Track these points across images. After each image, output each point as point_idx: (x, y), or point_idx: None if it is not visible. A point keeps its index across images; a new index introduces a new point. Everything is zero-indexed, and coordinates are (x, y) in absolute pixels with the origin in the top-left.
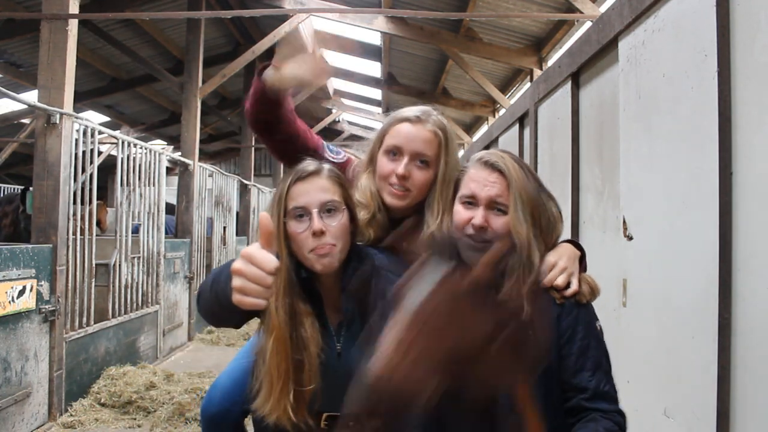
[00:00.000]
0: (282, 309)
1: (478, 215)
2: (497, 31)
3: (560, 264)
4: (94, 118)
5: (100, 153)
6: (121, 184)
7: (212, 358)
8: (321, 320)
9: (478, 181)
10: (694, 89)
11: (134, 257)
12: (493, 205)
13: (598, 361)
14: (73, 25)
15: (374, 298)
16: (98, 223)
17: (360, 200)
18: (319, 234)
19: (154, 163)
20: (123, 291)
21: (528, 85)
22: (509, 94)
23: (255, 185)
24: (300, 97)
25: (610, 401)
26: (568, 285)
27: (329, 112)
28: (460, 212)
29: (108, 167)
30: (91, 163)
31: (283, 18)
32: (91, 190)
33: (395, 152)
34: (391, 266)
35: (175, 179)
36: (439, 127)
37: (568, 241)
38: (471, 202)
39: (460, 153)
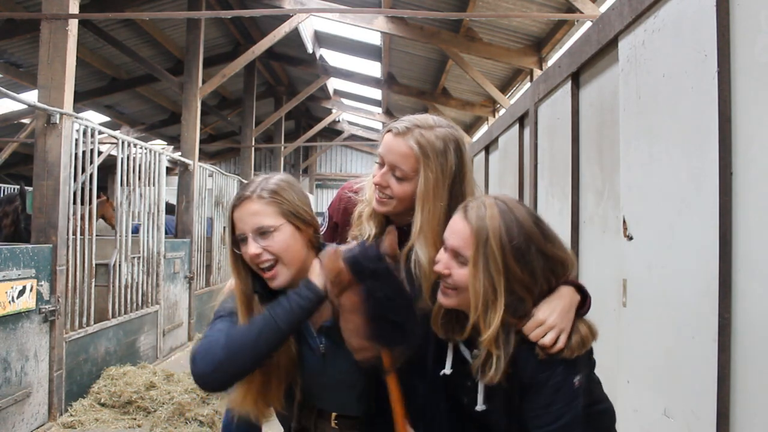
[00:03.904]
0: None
1: (441, 262)
2: (497, 31)
3: (549, 321)
4: (94, 118)
5: (100, 153)
6: (121, 184)
7: None
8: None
9: (449, 228)
10: (694, 89)
11: (134, 257)
12: (456, 256)
13: (557, 416)
14: (73, 25)
15: None
16: (106, 220)
17: (367, 197)
18: (255, 257)
19: (154, 163)
20: (123, 291)
21: (528, 85)
22: (509, 94)
23: None
24: (300, 96)
25: None
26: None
27: (329, 112)
28: (438, 255)
29: (108, 167)
30: (91, 163)
31: (283, 18)
32: (91, 190)
33: (380, 161)
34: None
35: (175, 179)
36: (419, 142)
37: (569, 282)
38: (445, 247)
39: None
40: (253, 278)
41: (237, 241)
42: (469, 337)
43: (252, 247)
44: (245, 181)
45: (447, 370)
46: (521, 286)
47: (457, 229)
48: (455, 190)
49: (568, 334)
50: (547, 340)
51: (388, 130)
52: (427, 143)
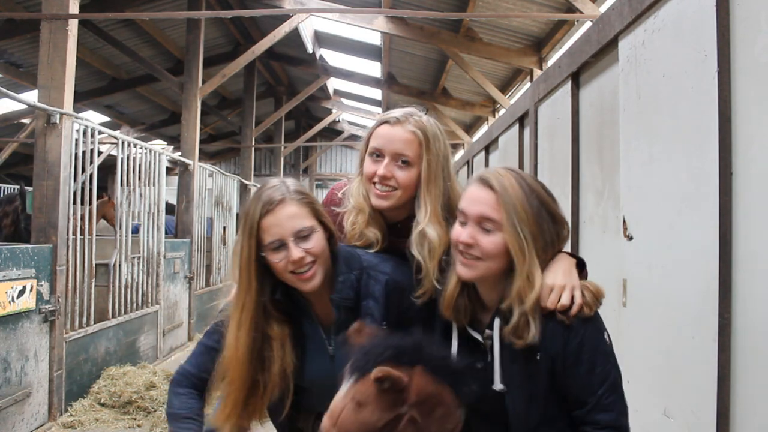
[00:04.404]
0: (244, 344)
1: (464, 233)
2: (497, 31)
3: (558, 282)
4: (94, 118)
5: (100, 153)
6: (121, 184)
7: None
8: (310, 325)
9: (469, 198)
10: (694, 89)
11: (134, 257)
12: (482, 223)
13: (604, 377)
14: (73, 25)
15: (364, 299)
16: (107, 220)
17: (353, 203)
18: (298, 261)
19: (154, 163)
20: (123, 291)
21: (528, 85)
22: (509, 94)
23: (255, 185)
24: (300, 96)
25: (612, 412)
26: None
27: (329, 112)
28: (455, 230)
29: (108, 167)
30: (91, 163)
31: (283, 18)
32: (91, 190)
33: (377, 154)
34: (380, 265)
35: (175, 179)
36: (419, 127)
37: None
38: (464, 219)
39: (460, 153)
40: (274, 286)
41: (265, 249)
42: (473, 319)
43: (295, 252)
44: (246, 182)
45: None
46: (539, 248)
47: (480, 197)
48: (446, 172)
49: (580, 290)
50: (564, 300)
51: (383, 122)
52: (426, 128)
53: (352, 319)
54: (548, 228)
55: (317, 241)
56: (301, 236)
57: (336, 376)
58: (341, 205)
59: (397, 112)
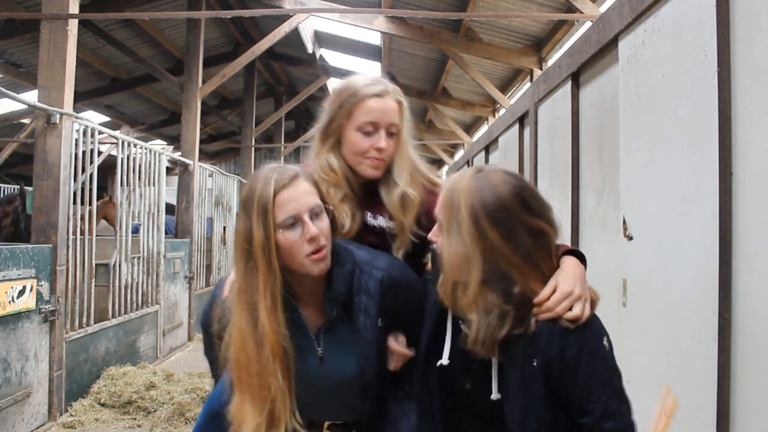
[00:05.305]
0: (280, 327)
1: (432, 230)
2: (497, 31)
3: (576, 292)
4: (94, 118)
5: (100, 153)
6: (121, 184)
7: None
8: (298, 325)
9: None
10: (694, 89)
11: (134, 257)
12: (438, 222)
13: (604, 383)
14: (73, 25)
15: (357, 295)
16: (108, 220)
17: (326, 178)
18: (316, 238)
19: (154, 163)
20: (123, 291)
21: (528, 85)
22: (509, 94)
23: None
24: (300, 96)
25: (620, 418)
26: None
27: None
28: None
29: (108, 167)
30: (91, 163)
31: (283, 18)
32: (91, 190)
33: (372, 129)
34: (374, 261)
35: (175, 179)
36: (400, 94)
37: (570, 251)
38: None
39: (460, 153)
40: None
41: (278, 228)
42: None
43: (312, 228)
44: (245, 182)
45: (444, 360)
46: (503, 258)
47: (440, 198)
48: (411, 134)
49: (589, 302)
50: (576, 311)
51: (373, 96)
52: (401, 93)
53: (344, 316)
54: (522, 239)
55: (326, 222)
56: (315, 213)
57: (325, 380)
58: None
59: (375, 85)
